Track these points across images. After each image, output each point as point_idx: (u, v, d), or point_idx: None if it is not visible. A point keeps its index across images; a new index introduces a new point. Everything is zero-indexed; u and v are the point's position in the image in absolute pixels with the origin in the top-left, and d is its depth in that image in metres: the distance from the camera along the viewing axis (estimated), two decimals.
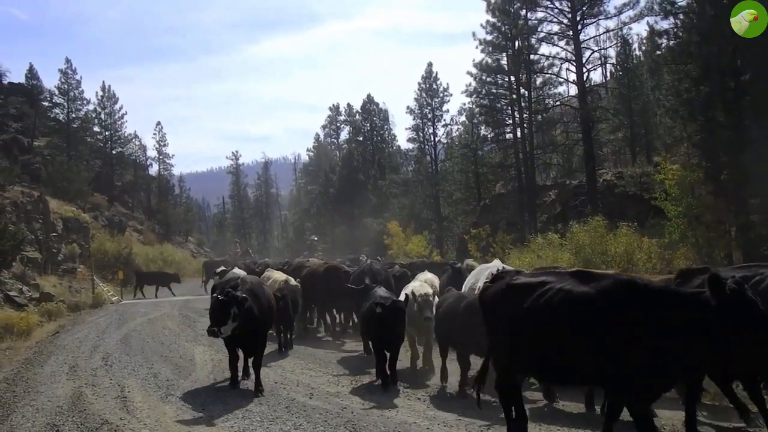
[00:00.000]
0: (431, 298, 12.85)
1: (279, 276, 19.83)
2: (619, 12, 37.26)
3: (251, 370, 12.83)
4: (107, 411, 11.67)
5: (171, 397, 12.34)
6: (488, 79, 43.79)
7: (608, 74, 55.98)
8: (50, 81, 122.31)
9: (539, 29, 40.78)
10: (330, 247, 68.44)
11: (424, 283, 14.78)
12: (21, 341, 21.58)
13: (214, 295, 12.56)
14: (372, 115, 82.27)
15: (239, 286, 12.33)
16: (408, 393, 11.83)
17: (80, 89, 66.99)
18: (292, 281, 18.66)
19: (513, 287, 8.05)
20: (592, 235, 26.40)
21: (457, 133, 58.49)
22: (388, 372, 12.50)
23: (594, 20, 38.41)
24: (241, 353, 13.06)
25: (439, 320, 12.47)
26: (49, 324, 26.08)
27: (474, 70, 43.20)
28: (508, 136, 45.70)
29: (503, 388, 8.30)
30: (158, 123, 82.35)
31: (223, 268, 27.24)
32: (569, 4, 37.99)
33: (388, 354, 12.58)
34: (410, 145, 63.72)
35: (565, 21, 38.73)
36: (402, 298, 13.23)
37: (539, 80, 43.25)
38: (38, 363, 17.38)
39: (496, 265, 14.25)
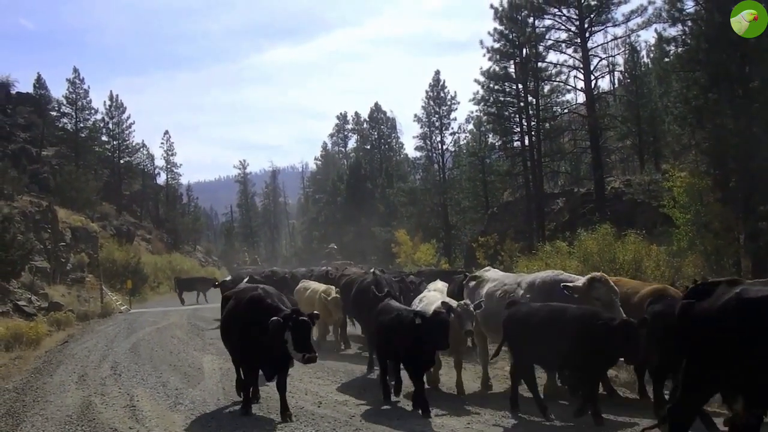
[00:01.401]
0: (472, 308, 11.63)
1: (318, 286, 18.82)
2: (627, 19, 37.27)
3: (259, 393, 12.24)
4: (116, 420, 11.68)
5: (180, 406, 12.33)
6: (496, 87, 43.77)
7: (616, 82, 56.01)
8: (58, 91, 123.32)
9: (547, 37, 40.76)
10: (337, 255, 68.46)
11: (435, 292, 14.58)
12: (30, 350, 21.61)
13: (301, 318, 10.17)
14: (379, 124, 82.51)
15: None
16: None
17: (88, 99, 67.47)
18: (333, 292, 17.58)
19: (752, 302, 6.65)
20: (600, 242, 26.26)
21: (465, 141, 58.60)
22: (389, 387, 11.94)
23: (602, 27, 38.43)
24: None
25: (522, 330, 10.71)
26: (58, 333, 26.17)
27: (481, 78, 43.23)
28: (515, 144, 45.68)
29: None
30: (166, 132, 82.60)
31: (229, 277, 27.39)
32: (577, 11, 37.98)
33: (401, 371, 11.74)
34: (418, 154, 63.93)
35: (573, 28, 38.74)
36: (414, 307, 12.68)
37: (547, 88, 43.25)
38: (47, 372, 17.41)
39: (506, 275, 14.22)
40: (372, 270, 16.92)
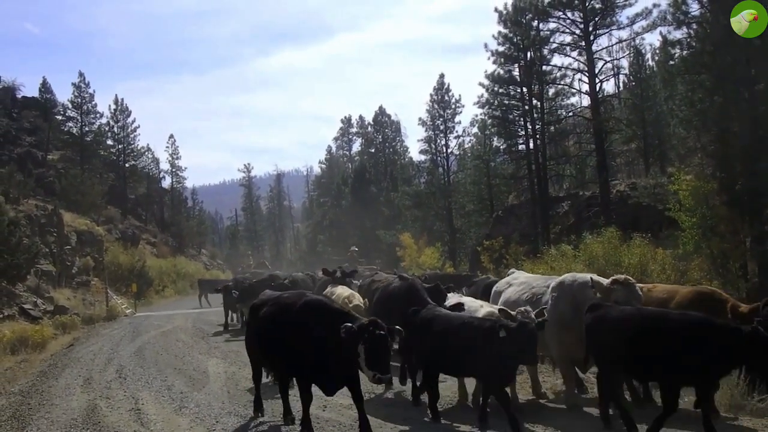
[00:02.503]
0: (533, 315, 10.07)
1: (342, 291, 17.54)
2: (632, 22, 37.10)
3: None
4: (121, 423, 11.69)
5: (185, 410, 12.34)
6: (500, 90, 43.69)
7: (621, 85, 55.88)
8: (63, 94, 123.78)
9: (551, 40, 40.62)
10: (342, 259, 68.41)
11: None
12: (36, 354, 21.67)
13: (378, 331, 8.84)
14: (384, 127, 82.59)
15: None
16: (422, 406, 11.75)
17: (93, 103, 67.34)
18: (356, 299, 16.17)
19: None
20: (605, 246, 26.23)
21: (470, 144, 58.49)
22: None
23: (606, 30, 38.28)
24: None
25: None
26: (63, 337, 26.23)
27: (486, 81, 43.14)
28: (520, 147, 45.54)
29: None
30: (171, 136, 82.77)
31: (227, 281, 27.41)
32: (581, 14, 37.89)
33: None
34: (422, 157, 63.79)
35: (578, 32, 38.63)
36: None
37: (552, 91, 43.13)
38: (53, 375, 17.44)
39: (528, 276, 13.96)
40: (399, 274, 16.30)
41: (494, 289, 14.14)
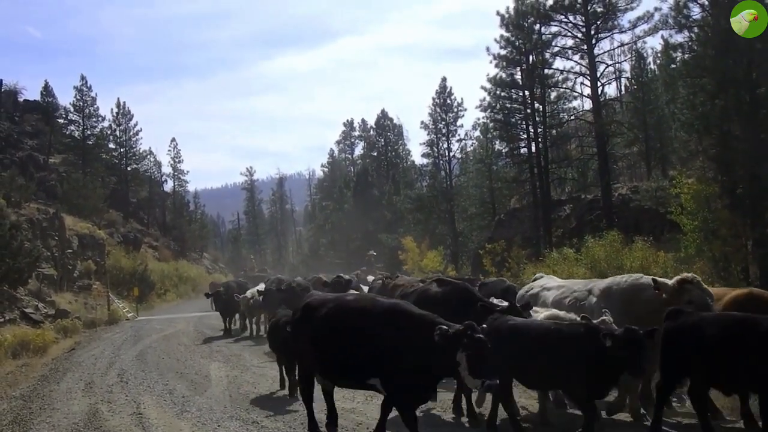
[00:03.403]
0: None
1: None
2: (634, 26, 37.17)
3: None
4: (123, 428, 11.70)
5: (186, 414, 12.33)
6: (502, 94, 43.65)
7: (623, 88, 55.82)
8: (65, 98, 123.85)
9: (553, 43, 40.64)
10: (344, 263, 68.42)
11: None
12: (37, 358, 21.69)
13: (479, 335, 7.92)
14: (386, 131, 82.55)
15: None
16: (422, 408, 11.73)
17: (95, 106, 67.55)
18: None
19: None
20: (607, 249, 26.25)
21: (472, 147, 58.48)
22: None
23: (608, 34, 38.33)
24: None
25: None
26: (65, 341, 26.25)
27: (488, 85, 43.10)
28: (522, 150, 45.49)
29: None
30: (173, 139, 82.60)
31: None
32: (583, 18, 37.91)
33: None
34: (425, 160, 63.81)
35: (579, 35, 38.65)
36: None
37: (553, 94, 43.08)
38: (54, 380, 17.45)
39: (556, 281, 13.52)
40: (438, 277, 14.90)
41: (523, 293, 13.61)
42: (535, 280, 14.15)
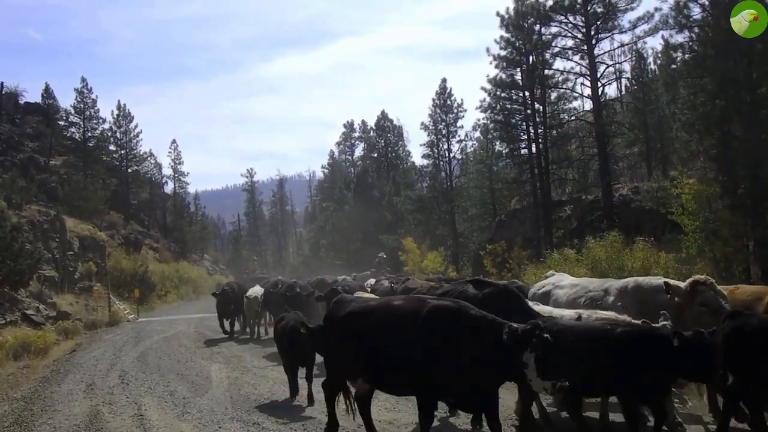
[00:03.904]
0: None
1: (369, 298, 16.22)
2: (634, 26, 37.17)
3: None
4: (124, 429, 11.69)
5: (187, 415, 12.32)
6: (502, 95, 43.65)
7: (623, 88, 55.79)
8: (66, 100, 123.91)
9: (553, 44, 40.68)
10: (345, 264, 68.37)
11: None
12: (38, 359, 21.67)
13: (547, 335, 7.58)
14: (386, 132, 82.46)
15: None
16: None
17: (96, 108, 67.54)
18: None
19: None
20: (608, 250, 26.25)
21: (472, 148, 58.55)
22: None
23: (608, 34, 38.34)
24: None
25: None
26: (66, 342, 26.23)
27: (488, 86, 43.11)
28: (523, 151, 45.54)
29: None
30: (173, 141, 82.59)
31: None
32: (583, 18, 37.92)
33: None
34: (425, 161, 63.87)
35: (579, 36, 38.66)
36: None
37: (554, 95, 43.09)
38: (55, 381, 17.43)
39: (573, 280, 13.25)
40: (474, 278, 13.73)
41: (535, 291, 13.33)
42: (547, 277, 13.96)
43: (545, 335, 7.47)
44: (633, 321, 9.18)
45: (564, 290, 12.33)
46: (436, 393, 8.37)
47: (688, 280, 10.32)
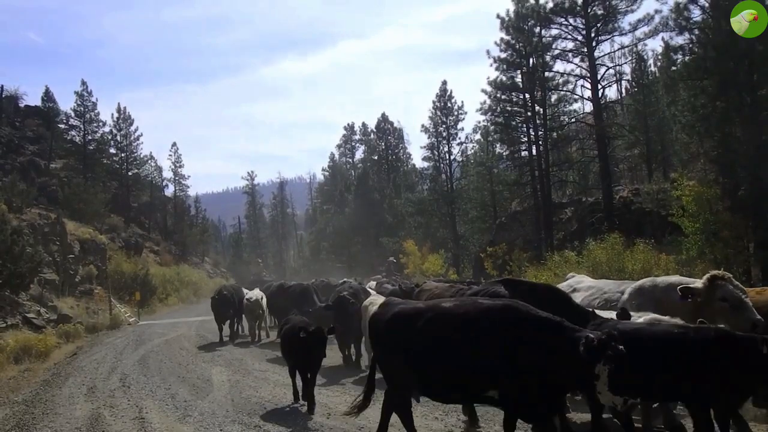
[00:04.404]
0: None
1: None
2: (634, 28, 37.15)
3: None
4: None
5: (188, 418, 12.31)
6: (503, 97, 43.66)
7: (623, 90, 55.88)
8: (66, 103, 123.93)
9: (553, 46, 40.70)
10: (345, 266, 68.42)
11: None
12: (39, 363, 21.66)
13: (622, 346, 6.84)
14: (387, 134, 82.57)
15: None
16: (425, 412, 11.67)
17: (96, 111, 67.53)
18: None
19: None
20: (609, 252, 26.22)
21: (473, 151, 58.58)
22: None
23: (608, 37, 38.34)
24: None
25: None
26: (66, 345, 26.21)
27: (488, 88, 43.12)
28: (523, 153, 45.60)
29: None
30: (174, 144, 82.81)
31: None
32: (583, 21, 37.94)
33: None
34: (425, 164, 63.92)
35: (580, 38, 38.69)
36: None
37: (554, 97, 43.08)
38: (56, 384, 17.43)
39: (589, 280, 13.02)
40: (505, 278, 12.96)
41: None
42: (566, 279, 13.71)
43: (620, 347, 6.78)
44: (685, 323, 8.55)
45: (581, 293, 12.06)
46: (494, 401, 7.83)
47: (705, 276, 10.00)
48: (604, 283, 12.52)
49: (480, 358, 7.56)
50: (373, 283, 27.83)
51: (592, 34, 37.99)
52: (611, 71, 41.73)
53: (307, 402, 12.44)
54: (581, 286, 12.46)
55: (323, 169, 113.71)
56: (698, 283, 9.94)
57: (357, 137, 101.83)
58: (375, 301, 15.75)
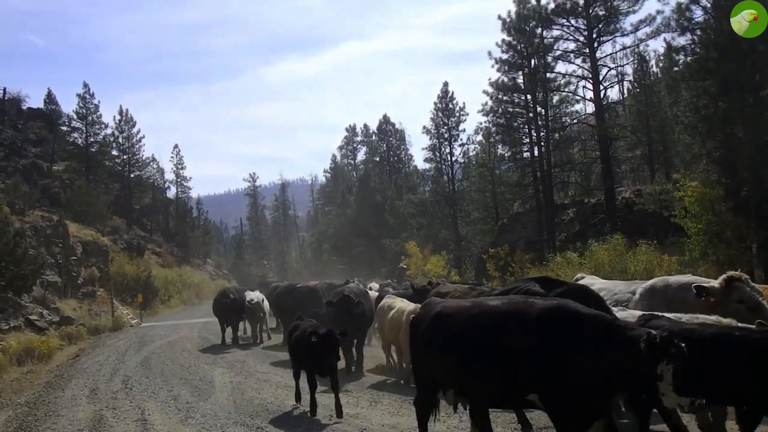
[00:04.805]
0: None
1: (406, 306, 15.16)
2: (636, 29, 37.06)
3: None
4: None
5: (191, 420, 12.32)
6: (504, 98, 43.60)
7: (625, 91, 55.82)
8: (68, 106, 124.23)
9: (555, 47, 40.63)
10: (347, 268, 68.40)
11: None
12: (42, 365, 21.68)
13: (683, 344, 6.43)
14: (388, 136, 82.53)
15: None
16: None
17: (98, 113, 67.38)
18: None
19: None
20: (611, 253, 26.21)
21: (474, 152, 58.42)
22: None
23: (610, 37, 38.25)
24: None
25: None
26: (69, 347, 26.24)
27: (490, 89, 43.06)
28: (525, 154, 45.51)
29: None
30: (176, 146, 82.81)
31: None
32: (585, 21, 37.89)
33: None
34: (427, 165, 63.77)
35: (581, 39, 38.63)
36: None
37: (556, 98, 43.04)
38: (59, 386, 17.43)
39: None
40: (542, 276, 12.84)
41: None
42: (576, 281, 13.49)
43: (683, 345, 6.34)
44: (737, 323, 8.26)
45: None
46: (545, 406, 7.27)
47: (722, 277, 9.90)
48: (614, 284, 12.52)
49: (533, 359, 7.04)
50: (375, 285, 27.84)
51: (594, 35, 37.93)
52: (613, 72, 41.65)
53: (335, 408, 11.87)
54: (592, 287, 11.80)
55: (325, 171, 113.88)
56: (713, 283, 9.86)
57: (359, 139, 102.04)
58: (393, 302, 15.81)
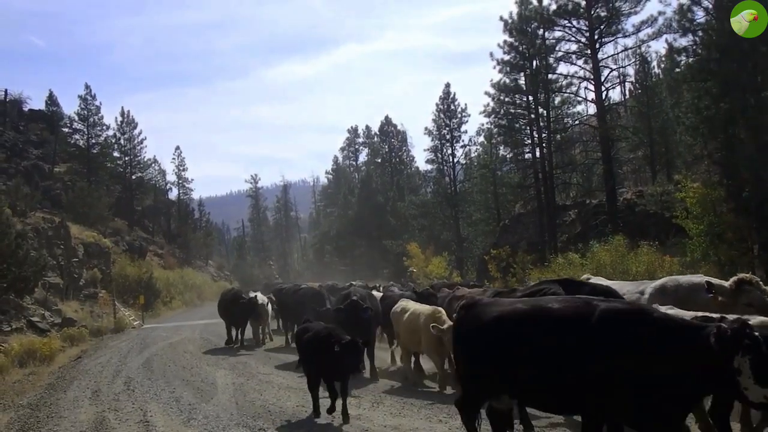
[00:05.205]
0: None
1: (421, 308, 14.77)
2: (638, 30, 37.07)
3: None
4: None
5: (193, 421, 12.31)
6: (506, 99, 43.63)
7: (627, 92, 55.95)
8: (70, 107, 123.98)
9: (557, 48, 40.63)
10: (349, 269, 68.43)
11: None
12: (44, 366, 21.66)
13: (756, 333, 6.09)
14: (390, 137, 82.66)
15: None
16: (429, 415, 11.68)
17: (100, 115, 67.29)
18: (444, 316, 13.52)
19: None
20: (612, 254, 26.21)
21: (476, 153, 58.54)
22: None
23: (612, 39, 38.26)
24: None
25: None
26: (71, 349, 26.22)
27: (492, 91, 43.12)
28: (527, 156, 45.53)
29: None
30: (177, 147, 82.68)
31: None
32: (587, 23, 37.89)
33: None
34: (429, 167, 63.99)
35: (583, 40, 38.63)
36: None
37: (558, 99, 43.09)
38: (61, 388, 17.43)
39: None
40: (567, 278, 12.95)
41: None
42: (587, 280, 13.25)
43: (756, 333, 5.98)
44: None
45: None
46: (610, 413, 6.91)
47: (732, 279, 9.87)
48: (622, 284, 12.45)
49: (593, 364, 6.68)
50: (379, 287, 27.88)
51: (596, 36, 37.92)
52: (615, 73, 41.70)
53: (341, 415, 11.54)
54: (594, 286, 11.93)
55: (327, 172, 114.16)
56: (724, 283, 9.86)
57: (360, 140, 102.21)
58: (407, 305, 15.53)
